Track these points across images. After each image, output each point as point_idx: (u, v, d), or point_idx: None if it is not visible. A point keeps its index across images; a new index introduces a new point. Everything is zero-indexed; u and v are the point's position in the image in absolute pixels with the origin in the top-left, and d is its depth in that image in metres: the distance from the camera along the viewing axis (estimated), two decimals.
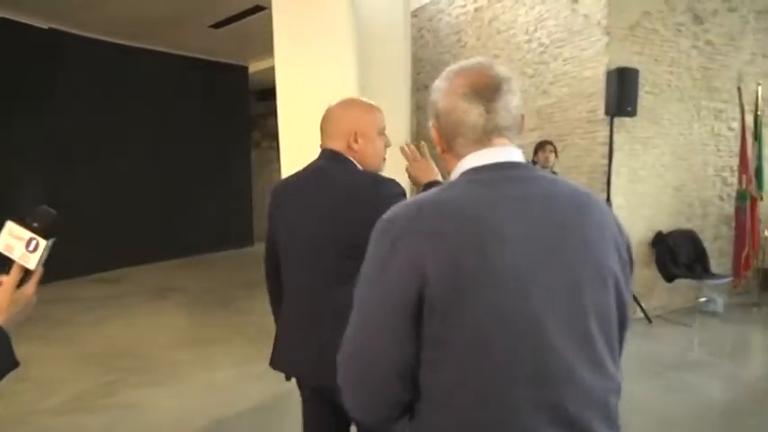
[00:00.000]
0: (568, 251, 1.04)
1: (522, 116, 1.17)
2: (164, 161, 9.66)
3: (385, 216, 1.07)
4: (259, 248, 9.48)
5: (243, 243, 11.15)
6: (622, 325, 1.14)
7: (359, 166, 1.92)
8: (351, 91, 6.16)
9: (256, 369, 4.54)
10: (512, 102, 1.13)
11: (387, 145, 1.99)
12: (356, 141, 1.91)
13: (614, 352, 1.10)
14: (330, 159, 1.93)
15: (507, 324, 0.98)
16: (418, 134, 8.37)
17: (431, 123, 1.21)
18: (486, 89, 1.11)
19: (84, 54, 8.58)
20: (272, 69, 6.73)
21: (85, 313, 6.44)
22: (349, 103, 2.02)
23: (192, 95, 10.15)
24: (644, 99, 5.79)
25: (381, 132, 1.98)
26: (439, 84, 1.18)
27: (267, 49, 6.56)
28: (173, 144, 9.80)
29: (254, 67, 10.99)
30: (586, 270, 1.05)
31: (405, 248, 1.00)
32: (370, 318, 1.04)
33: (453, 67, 1.17)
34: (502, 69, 1.14)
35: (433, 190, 1.10)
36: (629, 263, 1.15)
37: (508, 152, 1.13)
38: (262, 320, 6.06)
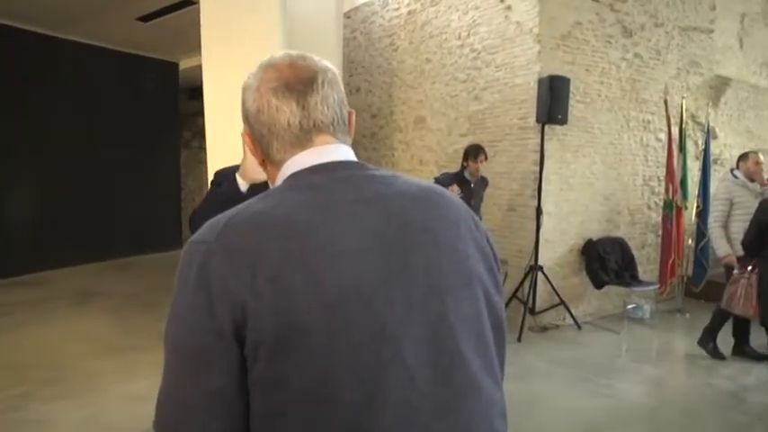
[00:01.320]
0: (419, 256, 0.91)
1: (350, 113, 1.05)
2: (88, 159, 9.31)
3: (192, 237, 0.90)
4: None
5: (171, 246, 10.83)
6: (498, 329, 1.01)
7: None
8: None
9: None
10: (331, 95, 0.99)
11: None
12: None
13: (493, 369, 0.98)
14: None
15: (355, 355, 0.83)
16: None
17: (242, 130, 1.06)
18: (299, 82, 0.97)
19: (6, 44, 8.16)
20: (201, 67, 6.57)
21: (0, 319, 6.11)
22: None
23: (119, 91, 9.82)
24: (575, 108, 5.93)
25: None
26: (247, 81, 1.02)
27: (198, 45, 6.40)
28: (98, 141, 9.45)
29: (185, 64, 10.71)
30: (445, 275, 0.92)
31: (213, 275, 0.83)
32: (180, 368, 0.86)
33: (263, 60, 1.03)
34: (317, 60, 1.02)
35: (247, 201, 0.93)
36: (494, 257, 1.04)
37: (334, 150, 0.99)
38: None
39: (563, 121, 5.60)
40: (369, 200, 0.93)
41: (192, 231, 2.77)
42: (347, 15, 7.97)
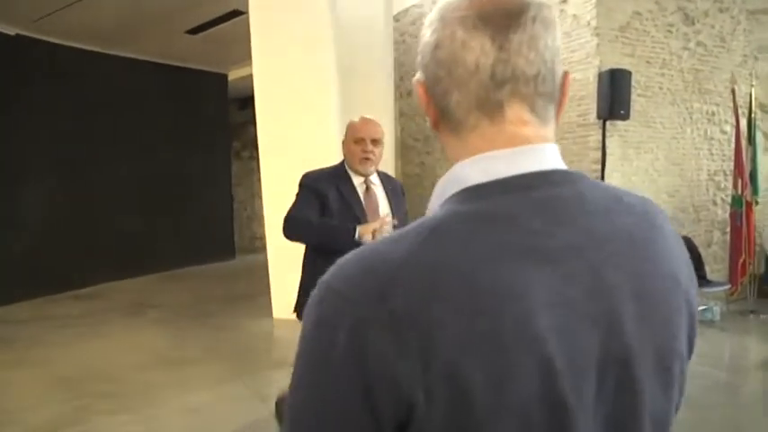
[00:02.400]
0: (617, 339, 0.65)
1: (566, 74, 0.74)
2: (141, 172, 9.46)
3: (327, 284, 0.64)
4: (241, 261, 9.38)
5: (224, 256, 10.93)
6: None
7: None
8: (330, 100, 6.06)
9: (234, 390, 4.37)
10: (543, 38, 0.69)
11: (364, 150, 2.72)
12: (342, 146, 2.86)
13: None
14: None
15: None
16: (402, 142, 8.26)
17: (415, 78, 0.77)
18: (500, 13, 0.68)
19: (53, 61, 8.34)
20: (251, 77, 6.58)
21: (58, 332, 6.20)
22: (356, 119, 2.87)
23: (169, 104, 9.95)
24: (636, 102, 5.71)
25: (357, 141, 2.73)
26: (430, 16, 0.76)
27: (247, 55, 6.41)
28: (150, 154, 9.60)
29: (234, 75, 10.82)
30: (644, 367, 0.67)
31: (371, 351, 0.58)
32: None
33: None
34: None
35: (403, 233, 0.65)
36: (693, 332, 0.76)
37: (532, 151, 0.70)
38: (240, 337, 5.93)
39: (625, 117, 5.38)
40: (576, 247, 0.65)
41: (289, 236, 2.79)
42: (395, 18, 7.88)
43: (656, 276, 0.70)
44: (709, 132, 6.53)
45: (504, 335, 0.59)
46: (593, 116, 5.52)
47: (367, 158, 2.74)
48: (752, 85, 6.39)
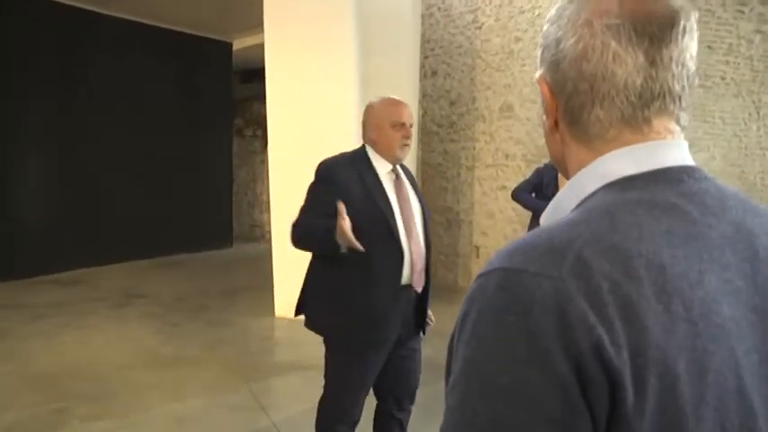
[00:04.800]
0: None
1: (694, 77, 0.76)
2: (132, 147, 9.33)
3: (505, 270, 0.64)
4: (238, 250, 9.23)
5: (220, 244, 10.81)
6: None
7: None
8: (350, 76, 5.91)
9: (231, 398, 4.24)
10: (689, 50, 0.71)
11: (405, 136, 2.61)
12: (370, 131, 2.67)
13: None
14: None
15: None
16: (424, 126, 8.08)
17: (538, 75, 0.79)
18: (654, 22, 0.69)
19: (40, 18, 8.19)
20: (259, 47, 6.42)
21: (34, 323, 6.08)
22: (377, 100, 2.74)
23: (166, 74, 9.82)
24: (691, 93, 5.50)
25: (395, 126, 2.59)
26: (564, 5, 0.75)
27: (254, 23, 6.23)
28: (143, 129, 9.47)
29: (239, 44, 10.67)
30: None
31: (574, 321, 0.58)
32: None
33: None
34: None
35: (568, 222, 0.68)
36: None
37: (678, 148, 0.73)
38: (238, 337, 5.79)
39: None
40: (732, 240, 0.68)
41: (294, 246, 2.68)
42: None
43: None
44: None
45: (697, 320, 0.61)
46: None
47: (407, 144, 2.66)
48: None
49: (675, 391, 0.59)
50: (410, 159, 6.33)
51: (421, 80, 7.82)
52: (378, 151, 2.67)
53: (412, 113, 2.74)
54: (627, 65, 0.70)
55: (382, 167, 2.66)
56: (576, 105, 0.74)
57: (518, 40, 6.85)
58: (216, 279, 8.49)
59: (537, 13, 6.56)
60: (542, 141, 5.82)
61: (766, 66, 6.08)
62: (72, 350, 5.30)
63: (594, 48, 0.71)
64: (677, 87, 0.71)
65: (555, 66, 0.75)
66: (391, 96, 2.76)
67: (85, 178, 8.79)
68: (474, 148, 7.54)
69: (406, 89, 6.19)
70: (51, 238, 8.28)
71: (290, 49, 6.01)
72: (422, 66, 7.78)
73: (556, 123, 0.79)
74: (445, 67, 7.96)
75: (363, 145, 2.72)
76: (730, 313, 0.64)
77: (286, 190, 5.25)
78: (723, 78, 5.86)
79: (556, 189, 4.32)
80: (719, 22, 5.74)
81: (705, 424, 0.60)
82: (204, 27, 10.03)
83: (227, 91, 11.09)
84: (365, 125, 2.71)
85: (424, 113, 8.14)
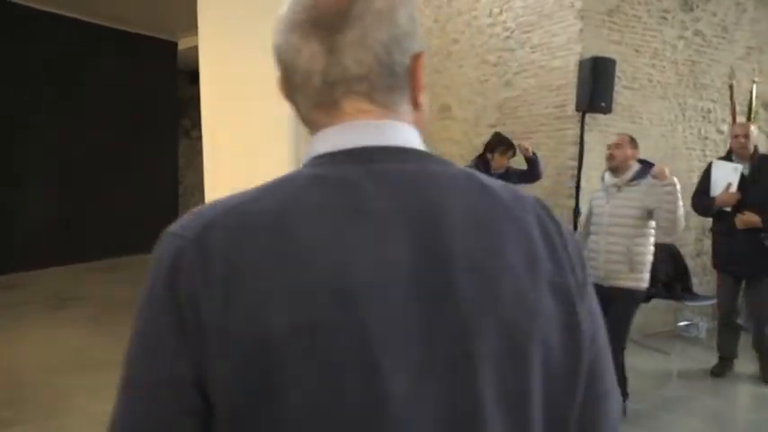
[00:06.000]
0: (453, 309, 0.71)
1: (416, 56, 0.81)
2: (74, 148, 9.37)
3: (167, 229, 0.75)
4: None
5: None
6: (558, 418, 0.79)
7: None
8: None
9: None
10: (374, 33, 0.76)
11: None
12: None
13: None
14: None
15: None
16: None
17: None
18: (330, 12, 0.76)
19: None
20: None
21: None
22: None
23: (109, 73, 9.86)
24: (621, 95, 5.80)
25: None
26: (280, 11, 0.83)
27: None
28: (85, 128, 9.51)
29: (185, 44, 10.74)
30: (485, 338, 0.72)
31: (181, 278, 0.68)
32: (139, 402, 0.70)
33: None
34: None
35: (253, 189, 0.75)
36: (577, 295, 0.81)
37: (375, 128, 0.78)
38: None
39: (607, 110, 5.45)
40: (410, 214, 0.73)
41: None
42: None
43: (502, 255, 0.75)
44: (703, 131, 6.67)
45: (315, 285, 0.67)
46: (571, 107, 5.60)
47: None
48: (753, 81, 6.51)
49: (269, 347, 0.65)
50: None
51: None
52: None
53: None
54: (307, 55, 0.77)
55: None
56: (289, 94, 0.83)
57: (455, 41, 7.10)
58: None
59: (474, 14, 6.81)
60: (479, 141, 6.03)
61: (690, 70, 6.41)
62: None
63: (282, 42, 0.79)
64: (360, 71, 0.76)
65: (275, 62, 0.83)
66: None
67: (15, 178, 8.79)
68: None
69: None
70: None
71: (224, 48, 6.11)
72: None
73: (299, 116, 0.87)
74: None
75: None
76: (367, 281, 0.68)
77: (222, 193, 5.36)
78: (650, 81, 6.15)
79: None
80: (645, 27, 6.03)
81: (308, 382, 0.66)
82: (148, 26, 10.09)
83: (172, 91, 11.17)
84: None
85: None
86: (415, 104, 0.83)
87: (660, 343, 6.01)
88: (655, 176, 3.91)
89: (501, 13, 6.46)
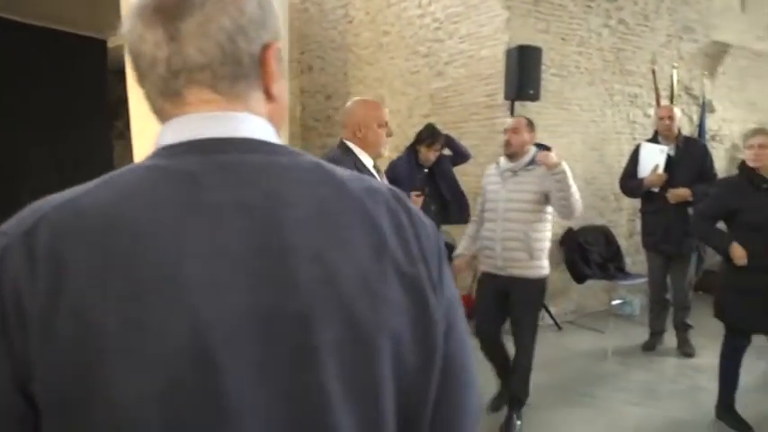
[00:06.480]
0: (295, 300, 0.71)
1: (267, 46, 0.81)
2: None
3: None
4: None
5: None
6: (409, 403, 0.79)
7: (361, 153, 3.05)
8: None
9: None
10: (217, 20, 0.76)
11: (388, 135, 3.14)
12: (359, 131, 3.06)
13: None
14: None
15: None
16: (303, 121, 8.35)
17: None
18: (172, 2, 0.76)
19: None
20: None
21: None
22: (359, 101, 3.23)
23: (34, 73, 9.64)
24: (550, 82, 5.99)
25: (381, 125, 3.07)
26: None
27: None
28: (5, 133, 9.27)
29: (115, 42, 10.58)
30: (326, 328, 0.72)
31: (5, 276, 0.67)
32: None
33: None
34: None
35: (92, 182, 0.75)
36: (430, 284, 0.81)
37: (220, 120, 0.78)
38: None
39: (535, 97, 5.63)
40: (250, 206, 0.72)
41: None
42: None
43: (347, 246, 0.75)
44: (631, 115, 6.93)
45: (145, 280, 0.66)
46: (501, 96, 5.76)
47: (386, 142, 3.19)
48: (674, 67, 6.83)
49: (93, 344, 0.64)
50: None
51: (298, 76, 8.09)
52: (364, 147, 3.10)
53: None
54: (150, 43, 0.76)
55: (367, 162, 3.10)
56: (139, 82, 0.82)
57: (386, 33, 7.19)
58: None
59: (403, 6, 6.90)
60: (412, 132, 6.14)
61: (616, 57, 6.65)
62: None
63: (129, 30, 0.79)
64: (202, 59, 0.76)
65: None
66: (372, 99, 3.39)
67: None
68: None
69: None
70: None
71: None
72: (299, 62, 8.04)
73: None
74: (320, 62, 8.25)
75: (343, 141, 3.14)
76: (200, 274, 0.67)
77: None
78: (578, 68, 6.34)
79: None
80: (571, 15, 6.21)
81: (136, 380, 0.64)
82: (77, 24, 9.91)
83: (101, 91, 10.97)
84: (349, 123, 3.13)
85: (303, 109, 8.41)
86: (268, 95, 0.83)
87: (595, 322, 6.25)
88: (541, 163, 3.72)
89: (430, 3, 6.56)
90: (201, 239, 0.69)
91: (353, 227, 0.76)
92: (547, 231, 3.87)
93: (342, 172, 0.82)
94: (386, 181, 3.28)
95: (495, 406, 4.09)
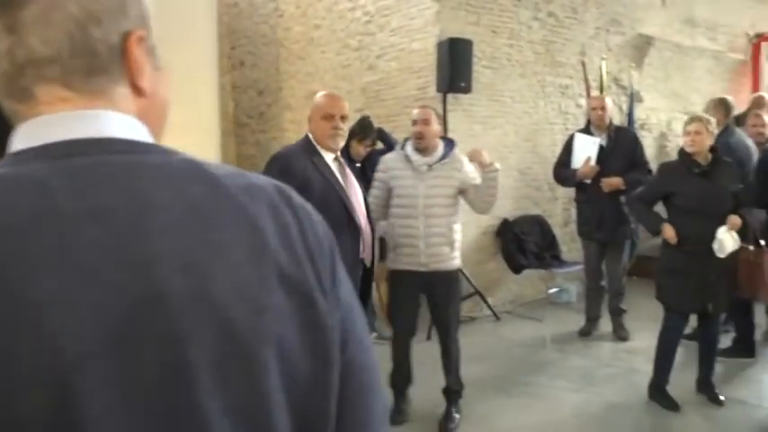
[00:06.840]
0: (162, 315, 0.64)
1: (127, 35, 0.73)
2: None
3: None
4: None
5: None
6: (313, 411, 0.75)
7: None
8: None
9: None
10: (62, 7, 0.68)
11: (334, 127, 3.11)
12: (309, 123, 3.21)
13: None
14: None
15: None
16: (236, 118, 8.26)
17: None
18: None
19: None
20: None
21: None
22: (318, 94, 3.36)
23: None
24: (482, 75, 6.06)
25: (325, 117, 3.11)
26: None
27: None
28: None
29: None
30: (202, 342, 0.65)
31: None
32: None
33: None
34: None
35: None
36: (328, 278, 0.77)
37: (76, 119, 0.70)
38: None
39: (467, 90, 5.69)
40: (110, 212, 0.65)
41: None
42: None
43: (221, 249, 0.69)
44: (563, 106, 7.07)
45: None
46: (433, 89, 5.82)
47: (338, 135, 3.17)
48: (602, 58, 6.99)
49: None
50: (220, 153, 6.50)
51: (230, 72, 7.98)
52: (316, 140, 3.15)
53: (346, 106, 3.24)
54: None
55: (327, 155, 3.13)
56: None
57: (317, 27, 7.17)
58: None
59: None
60: (346, 126, 6.11)
61: (546, 48, 6.76)
62: None
63: None
64: (48, 51, 0.68)
65: None
66: (330, 92, 3.46)
67: None
68: (283, 137, 7.74)
69: (204, 82, 6.31)
70: None
71: None
72: (229, 57, 7.94)
73: None
74: (251, 57, 8.17)
75: (306, 135, 3.22)
76: (55, 290, 0.60)
77: None
78: (509, 60, 6.43)
79: None
80: (501, 8, 6.29)
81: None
82: None
83: None
84: (309, 117, 3.24)
85: (236, 105, 8.31)
86: (137, 90, 0.75)
87: (533, 311, 6.35)
88: (473, 161, 3.73)
89: None
90: (52, 253, 0.61)
91: (229, 228, 0.70)
92: (459, 223, 3.88)
93: (220, 169, 0.75)
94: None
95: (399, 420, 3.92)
